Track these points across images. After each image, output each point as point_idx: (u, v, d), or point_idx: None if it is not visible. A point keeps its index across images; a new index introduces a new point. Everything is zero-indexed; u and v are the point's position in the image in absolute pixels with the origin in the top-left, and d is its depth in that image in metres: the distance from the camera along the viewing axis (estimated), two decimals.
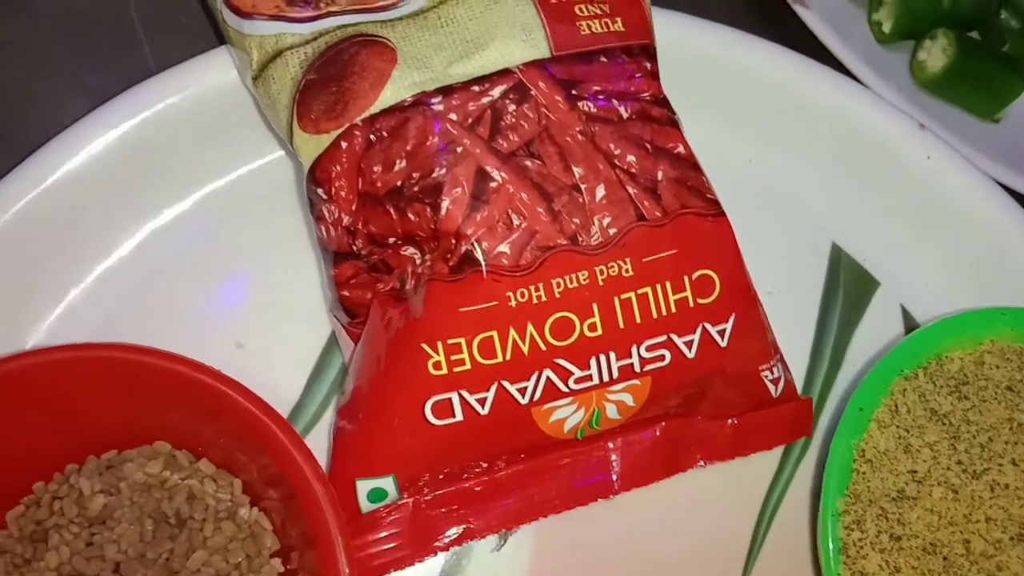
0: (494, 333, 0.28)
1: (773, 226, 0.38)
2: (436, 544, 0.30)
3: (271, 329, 0.33)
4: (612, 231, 0.29)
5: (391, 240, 0.29)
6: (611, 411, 0.30)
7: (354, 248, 0.29)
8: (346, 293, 0.30)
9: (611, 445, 0.31)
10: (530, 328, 0.28)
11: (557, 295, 0.28)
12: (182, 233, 0.34)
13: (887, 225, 0.38)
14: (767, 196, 0.38)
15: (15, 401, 0.28)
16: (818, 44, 0.39)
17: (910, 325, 0.37)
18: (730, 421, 0.32)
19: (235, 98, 0.34)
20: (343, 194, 0.29)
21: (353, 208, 0.29)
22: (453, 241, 0.28)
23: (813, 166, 0.39)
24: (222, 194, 0.35)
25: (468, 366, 0.28)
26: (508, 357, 0.28)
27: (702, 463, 0.32)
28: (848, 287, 0.37)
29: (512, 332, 0.28)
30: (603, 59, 0.30)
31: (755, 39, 0.38)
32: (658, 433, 0.31)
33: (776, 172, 0.38)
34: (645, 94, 0.30)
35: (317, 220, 0.30)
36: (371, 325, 0.30)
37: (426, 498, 0.30)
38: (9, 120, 0.37)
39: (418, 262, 0.29)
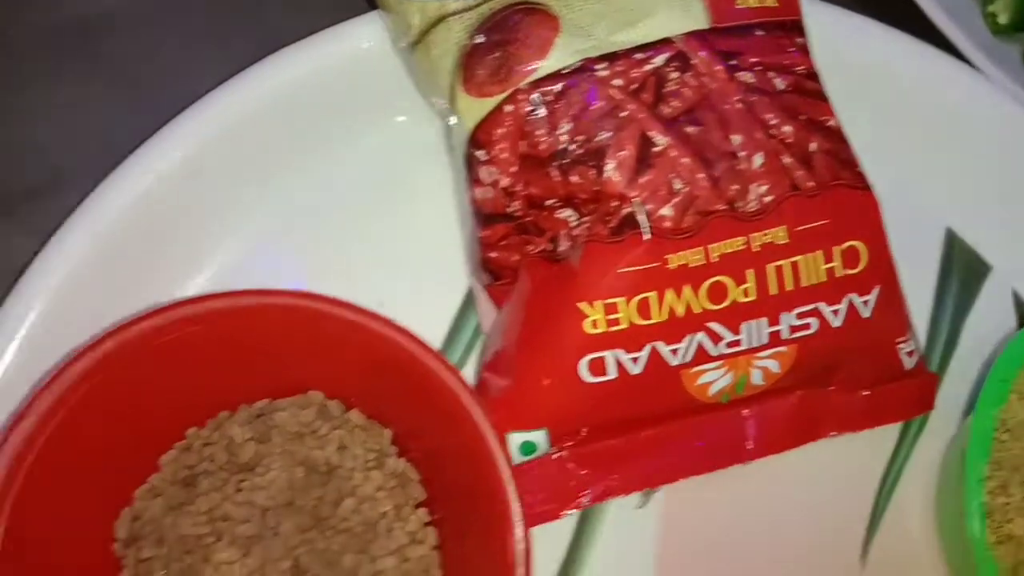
0: (652, 294, 0.29)
1: (888, 211, 0.38)
2: (579, 500, 0.31)
3: (410, 289, 0.34)
4: (768, 199, 0.29)
5: (549, 202, 0.30)
6: (756, 377, 0.31)
7: (509, 210, 0.30)
8: (494, 255, 0.31)
9: (747, 412, 0.32)
10: (687, 291, 0.29)
11: (714, 259, 0.29)
12: (325, 194, 0.35)
13: (1000, 211, 0.39)
14: (882, 180, 0.39)
15: (177, 347, 0.29)
16: (924, 31, 0.39)
17: (1022, 308, 0.38)
18: (863, 393, 0.33)
19: (372, 65, 0.35)
20: (504, 156, 0.30)
21: (513, 170, 0.30)
22: (615, 203, 0.29)
23: (928, 151, 0.39)
24: (363, 157, 0.35)
25: (624, 326, 0.29)
26: (664, 318, 0.29)
27: (833, 433, 0.33)
28: (961, 271, 0.38)
29: (669, 294, 0.29)
30: (759, 32, 0.30)
31: (868, 21, 0.39)
32: (794, 402, 0.32)
33: (890, 157, 0.39)
34: (799, 68, 0.31)
35: (473, 182, 0.31)
36: (522, 285, 0.30)
37: (573, 454, 0.30)
38: (147, 89, 0.38)
39: (573, 224, 0.30)
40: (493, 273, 0.31)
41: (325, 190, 0.35)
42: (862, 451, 0.34)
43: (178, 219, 0.34)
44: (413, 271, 0.35)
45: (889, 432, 0.35)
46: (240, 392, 0.31)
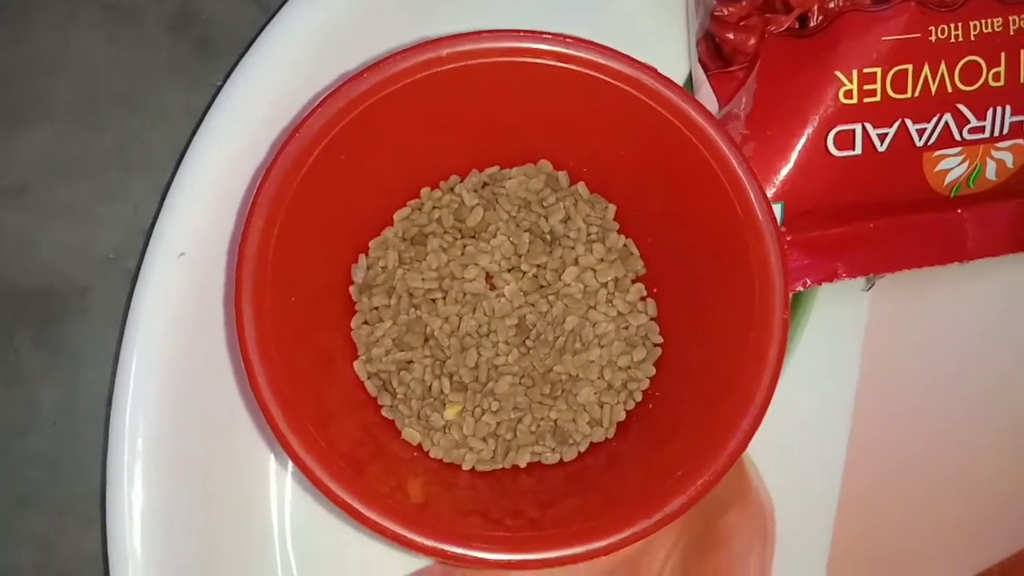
0: (909, 67, 0.29)
1: None
2: (802, 280, 0.31)
3: None
4: None
5: None
6: (991, 170, 0.31)
7: None
8: (730, 36, 0.31)
9: (969, 213, 0.32)
10: (942, 67, 0.29)
11: (972, 37, 0.29)
12: None
13: None
14: None
15: (433, 86, 0.28)
16: None
17: None
18: None
19: None
20: None
21: None
22: None
23: None
24: None
25: (878, 98, 0.29)
26: (916, 94, 0.29)
27: None
28: None
29: (926, 68, 0.29)
30: None
31: None
32: (1012, 208, 0.32)
33: None
34: None
35: None
36: (766, 63, 0.30)
37: (802, 239, 0.31)
38: None
39: None
40: (725, 58, 0.32)
41: None
42: None
43: None
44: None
45: None
46: (472, 157, 0.32)
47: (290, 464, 0.31)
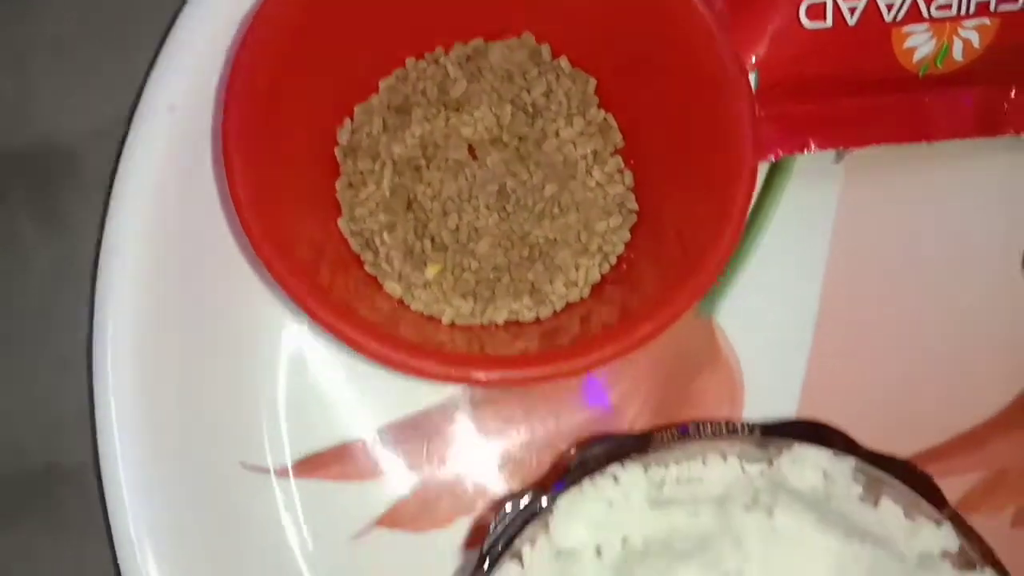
0: None
1: None
2: (774, 151, 0.32)
3: None
4: None
5: None
6: (957, 49, 0.32)
7: None
8: None
9: (936, 95, 0.33)
10: None
11: None
12: None
13: None
14: None
15: None
16: None
17: None
18: None
19: None
20: None
21: None
22: None
23: None
24: None
25: None
26: None
27: (1013, 133, 0.34)
28: None
29: None
30: None
31: None
32: (978, 93, 0.33)
33: None
34: None
35: None
36: None
37: (774, 113, 0.32)
38: None
39: None
40: None
41: None
42: None
43: None
44: None
45: None
46: (457, 28, 0.32)
47: (289, 309, 0.32)
